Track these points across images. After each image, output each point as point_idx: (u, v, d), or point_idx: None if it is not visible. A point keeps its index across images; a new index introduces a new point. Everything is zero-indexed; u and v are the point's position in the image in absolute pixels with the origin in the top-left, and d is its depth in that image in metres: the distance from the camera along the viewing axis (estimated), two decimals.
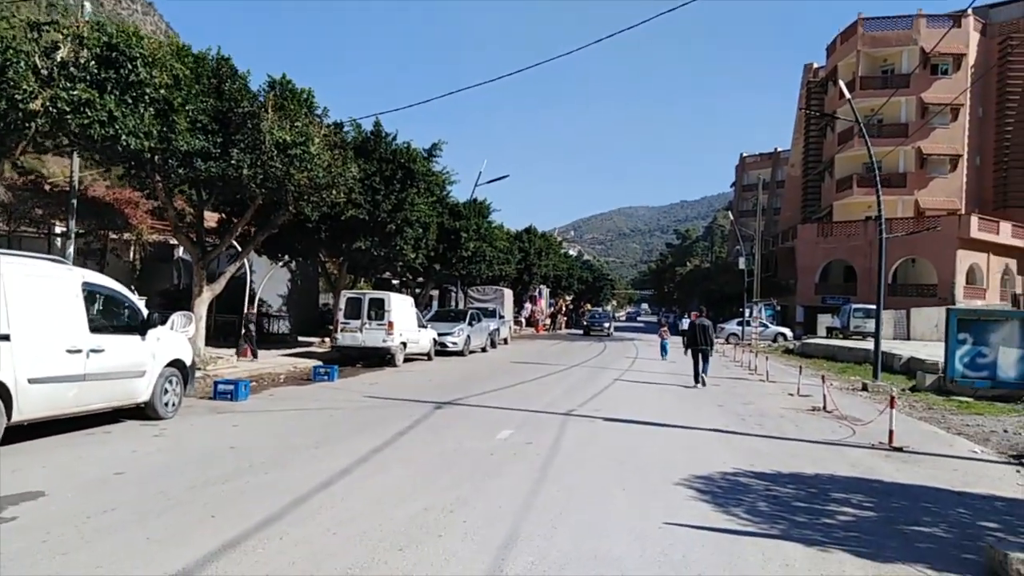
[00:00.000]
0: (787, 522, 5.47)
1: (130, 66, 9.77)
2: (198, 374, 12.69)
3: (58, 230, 17.73)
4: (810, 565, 4.58)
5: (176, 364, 9.39)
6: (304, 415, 10.22)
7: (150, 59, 10.11)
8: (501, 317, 31.37)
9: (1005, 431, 10.52)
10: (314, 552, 4.45)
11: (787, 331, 39.08)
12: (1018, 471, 7.83)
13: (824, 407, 12.17)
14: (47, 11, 10.63)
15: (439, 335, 21.87)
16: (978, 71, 42.49)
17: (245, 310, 17.49)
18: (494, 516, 5.35)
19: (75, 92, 9.28)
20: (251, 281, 20.00)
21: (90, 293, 7.99)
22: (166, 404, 9.12)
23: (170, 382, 9.23)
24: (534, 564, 4.41)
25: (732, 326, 40.24)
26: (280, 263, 22.31)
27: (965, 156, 43.46)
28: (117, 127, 9.70)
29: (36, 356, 6.98)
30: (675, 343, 25.75)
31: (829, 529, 5.36)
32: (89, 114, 9.39)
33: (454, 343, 22.51)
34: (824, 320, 37.66)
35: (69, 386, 7.43)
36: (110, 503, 5.29)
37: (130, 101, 9.93)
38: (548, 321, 51.34)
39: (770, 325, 39.56)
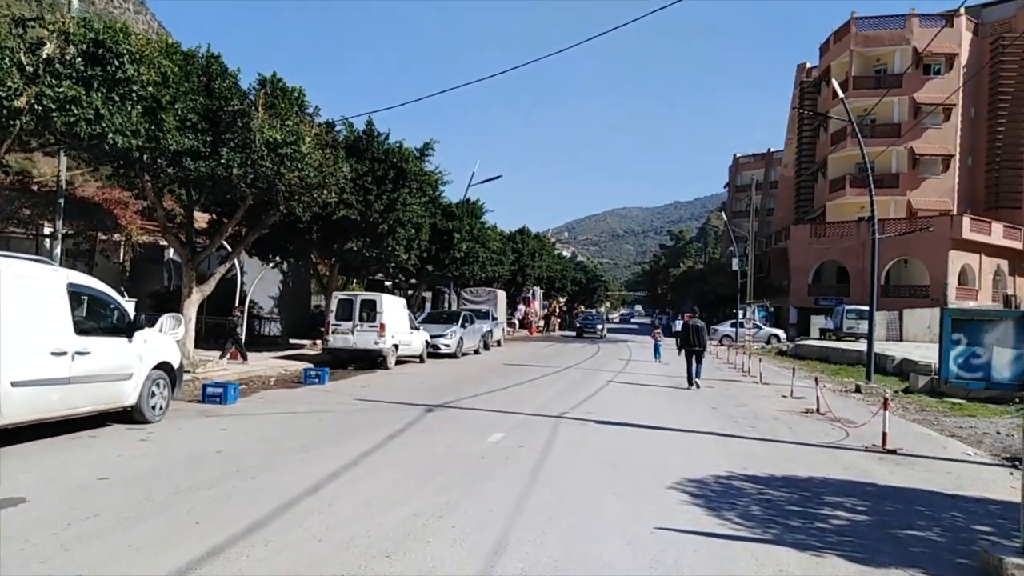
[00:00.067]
0: (780, 526, 5.41)
1: (117, 63, 9.63)
2: (187, 377, 12.56)
3: (47, 231, 17.55)
4: (803, 570, 4.52)
5: (163, 367, 9.26)
6: (293, 418, 10.12)
7: (137, 56, 9.97)
8: (494, 319, 31.28)
9: (998, 433, 10.51)
10: (299, 559, 4.36)
11: (780, 333, 39.14)
12: (1011, 473, 7.81)
13: (817, 409, 12.14)
14: (33, 7, 10.43)
15: (431, 337, 21.77)
16: (970, 71, 42.68)
17: (233, 311, 17.33)
18: (484, 521, 5.27)
19: (61, 89, 9.15)
20: (242, 283, 19.87)
21: (75, 294, 7.85)
22: (153, 407, 8.99)
23: (157, 385, 9.10)
24: (524, 570, 4.34)
25: (726, 328, 40.30)
26: (271, 264, 22.18)
27: (957, 156, 43.64)
28: (104, 125, 9.57)
29: (19, 359, 6.85)
30: (668, 345, 25.64)
31: (822, 533, 5.30)
32: (75, 112, 9.25)
33: (447, 345, 22.40)
34: (817, 321, 37.72)
35: (53, 389, 7.31)
36: (93, 509, 5.18)
37: (117, 99, 9.79)
38: (542, 323, 51.25)
39: (763, 327, 39.59)
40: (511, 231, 43.86)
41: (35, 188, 17.09)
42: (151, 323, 11.00)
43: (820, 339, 33.99)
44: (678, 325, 33.54)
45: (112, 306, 8.63)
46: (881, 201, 34.59)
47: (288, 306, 27.26)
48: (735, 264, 43.21)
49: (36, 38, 9.26)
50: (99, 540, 4.56)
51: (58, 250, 12.89)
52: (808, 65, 54.09)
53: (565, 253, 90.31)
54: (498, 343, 30.59)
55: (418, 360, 20.52)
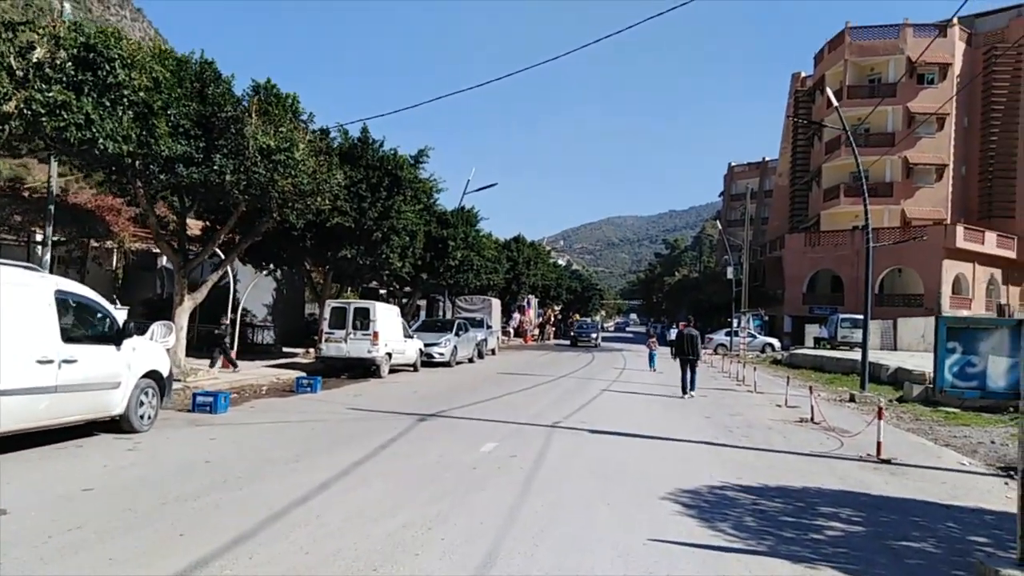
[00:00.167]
0: (774, 538, 5.34)
1: (108, 68, 9.55)
2: (178, 385, 12.44)
3: (39, 237, 17.43)
4: None
5: (153, 375, 9.16)
6: (284, 427, 10.01)
7: (129, 61, 9.89)
8: (489, 327, 31.20)
9: (992, 442, 10.48)
10: (284, 573, 4.28)
11: (775, 341, 39.14)
12: (1006, 483, 7.76)
13: (812, 418, 12.09)
14: (23, 11, 10.36)
15: (425, 345, 21.66)
16: (963, 80, 42.92)
17: (221, 319, 17.21)
18: (474, 532, 5.19)
19: (51, 94, 9.06)
20: (235, 290, 19.76)
21: (63, 301, 7.75)
22: (142, 417, 8.88)
23: (146, 394, 8.99)
24: None
25: (720, 336, 40.28)
26: (265, 272, 22.06)
27: (951, 166, 43.85)
28: (94, 130, 9.48)
29: (4, 367, 6.75)
30: (663, 354, 25.66)
31: (817, 545, 5.24)
32: (65, 116, 9.16)
33: (441, 354, 22.30)
34: (812, 330, 37.75)
35: (39, 398, 7.20)
36: (75, 521, 5.08)
37: (108, 104, 9.70)
38: (537, 331, 51.19)
39: (758, 335, 39.61)
40: (506, 239, 43.86)
41: (26, 194, 16.97)
42: (141, 331, 10.90)
43: (814, 348, 34.01)
44: (673, 334, 33.53)
45: (100, 314, 8.53)
46: (875, 210, 34.70)
47: (282, 314, 27.11)
48: (730, 273, 43.25)
49: (26, 42, 9.17)
50: (80, 553, 4.47)
51: (47, 257, 12.78)
52: (803, 74, 54.38)
53: (560, 262, 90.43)
54: (493, 352, 30.49)
55: (412, 369, 20.41)
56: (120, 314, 13.56)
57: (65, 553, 4.46)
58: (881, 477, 7.83)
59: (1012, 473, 8.02)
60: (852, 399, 16.09)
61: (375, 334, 17.74)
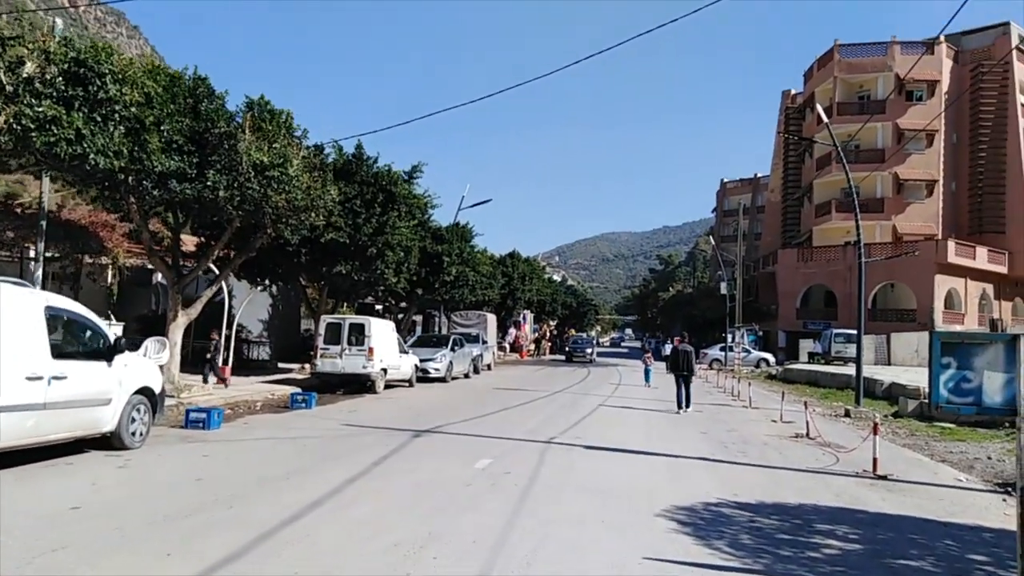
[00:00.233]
0: (771, 556, 5.29)
1: (99, 83, 9.53)
2: (171, 402, 12.34)
3: (33, 253, 17.35)
4: None
5: (144, 391, 9.07)
6: (278, 444, 9.92)
7: (120, 76, 9.88)
8: (484, 343, 31.12)
9: (989, 458, 10.45)
10: None
11: (769, 356, 39.16)
12: (1004, 500, 7.73)
13: (807, 434, 12.05)
14: (13, 26, 10.31)
15: (421, 361, 21.58)
16: (951, 97, 43.40)
17: (211, 335, 17.11)
18: (467, 552, 5.12)
19: (40, 109, 9.02)
20: (230, 306, 19.66)
21: (53, 318, 7.68)
22: (133, 433, 8.79)
23: (138, 410, 8.90)
24: None
25: (715, 352, 40.28)
26: (259, 287, 21.98)
27: (941, 182, 44.18)
28: (85, 145, 9.44)
29: None
30: (659, 369, 25.62)
31: (814, 563, 5.18)
32: (55, 131, 9.12)
33: (436, 369, 22.21)
34: (806, 345, 37.80)
35: (28, 415, 7.10)
36: (60, 541, 4.98)
37: (99, 119, 9.67)
38: (532, 346, 51.10)
39: (752, 350, 39.62)
40: (502, 255, 43.90)
41: (19, 211, 16.91)
42: (134, 347, 10.81)
43: (809, 363, 34.03)
44: (667, 349, 33.50)
45: (91, 330, 8.46)
46: (867, 226, 34.92)
47: (277, 330, 26.99)
48: (723, 288, 43.33)
49: (16, 57, 9.16)
50: (62, 574, 4.38)
51: (39, 273, 12.68)
52: (793, 92, 54.86)
53: (556, 277, 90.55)
54: (488, 367, 30.39)
55: (407, 384, 20.31)
56: (115, 330, 13.51)
57: (49, 574, 4.37)
58: (878, 493, 7.79)
59: (1010, 489, 8.00)
60: (847, 414, 16.07)
61: (370, 350, 17.66)
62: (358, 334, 17.85)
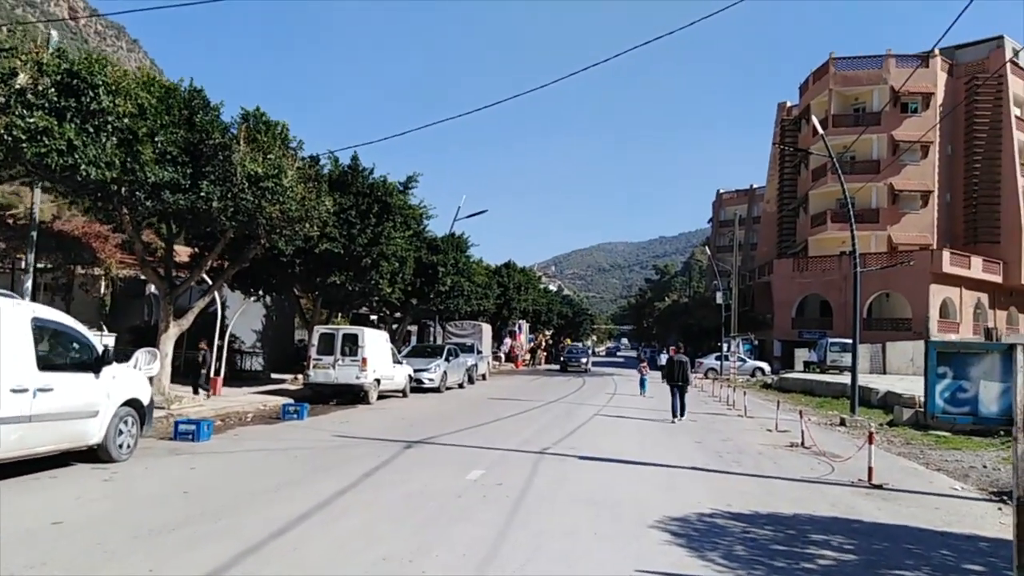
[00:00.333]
0: (765, 567, 5.22)
1: (92, 94, 9.50)
2: (161, 413, 12.22)
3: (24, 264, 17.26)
4: None
5: (132, 403, 8.97)
6: (268, 456, 9.81)
7: (113, 87, 9.85)
8: (479, 352, 31.02)
9: (984, 466, 10.40)
10: None
11: (765, 365, 39.14)
12: (1000, 508, 7.67)
13: (802, 443, 12.00)
14: (8, 38, 10.25)
15: (415, 371, 21.48)
16: (946, 109, 43.65)
17: (199, 345, 17.01)
18: (456, 566, 5.04)
19: (32, 120, 8.98)
20: (223, 316, 19.57)
21: (40, 329, 7.60)
22: (120, 446, 8.68)
23: (125, 423, 8.80)
24: None
25: (711, 361, 40.21)
26: (253, 298, 21.89)
27: (936, 192, 44.35)
28: (77, 156, 9.39)
29: None
30: (654, 378, 25.53)
31: (809, 575, 5.11)
32: (47, 142, 9.08)
33: (430, 379, 22.10)
34: (801, 354, 37.78)
35: (13, 428, 7.00)
36: (40, 558, 4.88)
37: (91, 130, 9.64)
38: (528, 356, 50.97)
39: (748, 360, 39.60)
40: (497, 265, 43.89)
41: (11, 222, 16.84)
42: (124, 358, 10.71)
43: (804, 372, 34.00)
44: (663, 358, 33.42)
45: (79, 341, 8.36)
46: (862, 236, 34.98)
47: (271, 340, 26.87)
48: (719, 298, 43.33)
49: (9, 68, 9.13)
50: None
51: (29, 284, 12.60)
52: (788, 104, 55.13)
53: (551, 287, 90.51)
54: (483, 377, 30.28)
55: (401, 395, 20.20)
56: (107, 341, 13.40)
57: None
58: (873, 503, 7.73)
59: (1006, 498, 7.95)
60: (842, 423, 16.02)
61: (363, 360, 17.56)
62: (351, 344, 17.76)
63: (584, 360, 43.81)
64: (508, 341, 47.11)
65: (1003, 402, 13.16)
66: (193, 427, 10.70)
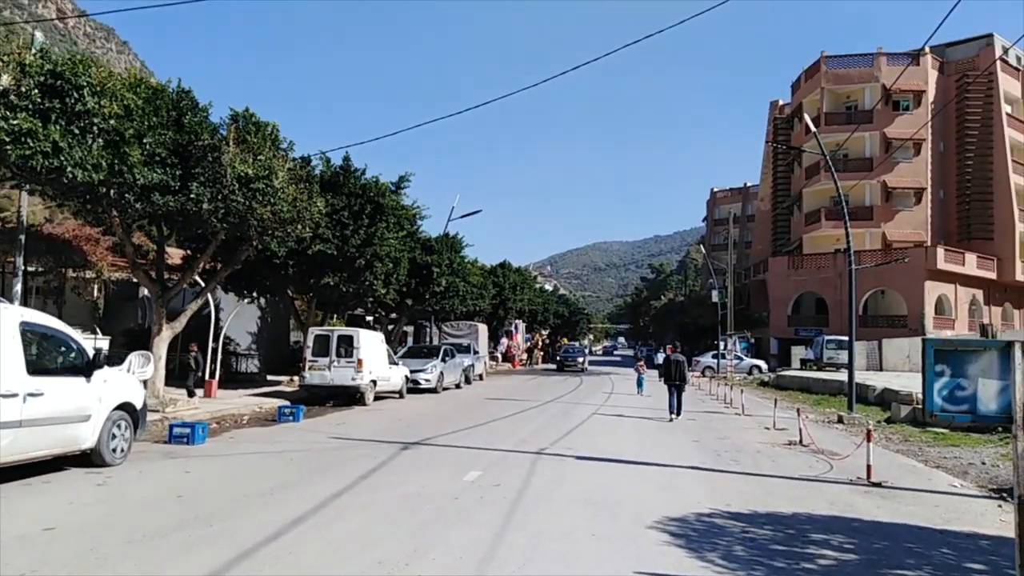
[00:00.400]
0: (765, 567, 5.17)
1: (76, 95, 9.39)
2: (156, 416, 12.14)
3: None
4: None
5: (125, 407, 8.87)
6: (263, 459, 9.73)
7: (99, 88, 9.75)
8: (475, 353, 30.95)
9: (983, 463, 10.38)
10: None
11: (762, 363, 39.17)
12: (999, 506, 7.64)
13: (800, 441, 11.96)
14: None
15: (411, 372, 21.39)
16: (937, 107, 43.79)
17: (190, 348, 16.90)
18: (454, 568, 4.97)
19: (15, 121, 8.87)
20: (217, 318, 19.46)
21: (28, 333, 7.50)
22: (114, 450, 8.58)
23: (118, 426, 8.70)
24: None
25: (707, 359, 40.24)
26: (247, 300, 21.79)
27: (929, 189, 44.49)
28: (62, 158, 9.28)
29: None
30: (651, 377, 25.54)
31: (809, 575, 5.06)
32: (31, 144, 8.96)
33: (427, 380, 22.02)
34: (798, 352, 37.84)
35: (3, 433, 6.89)
36: (30, 565, 4.80)
37: (76, 132, 9.52)
38: (524, 356, 50.89)
39: (745, 358, 39.63)
40: (492, 265, 43.81)
41: (1, 225, 16.70)
42: (118, 361, 10.62)
43: (801, 369, 34.04)
44: (660, 357, 33.42)
45: (69, 345, 8.27)
46: (856, 233, 35.01)
47: (266, 342, 26.72)
48: (715, 296, 43.36)
49: None
50: None
51: (18, 287, 12.48)
52: (780, 102, 55.21)
53: (547, 287, 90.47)
54: (480, 377, 30.21)
55: (397, 396, 20.12)
56: (101, 344, 13.29)
57: None
58: (872, 501, 7.69)
59: (1005, 495, 7.92)
60: (840, 420, 16.00)
61: (359, 361, 17.47)
62: (347, 346, 17.66)
63: (581, 359, 43.76)
64: (505, 341, 47.05)
65: (1002, 400, 13.16)
66: (188, 430, 10.61)
